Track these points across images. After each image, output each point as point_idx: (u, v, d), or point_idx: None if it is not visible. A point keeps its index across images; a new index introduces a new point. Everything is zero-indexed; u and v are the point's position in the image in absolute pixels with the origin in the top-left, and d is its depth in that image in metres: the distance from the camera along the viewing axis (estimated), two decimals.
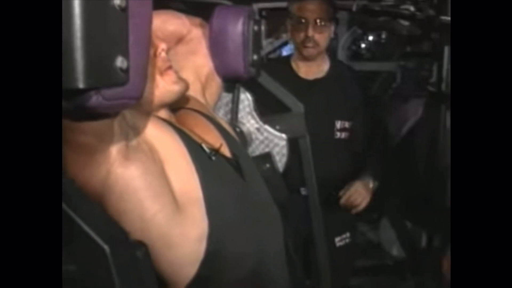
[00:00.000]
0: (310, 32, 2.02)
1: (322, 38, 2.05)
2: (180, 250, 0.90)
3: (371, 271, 3.20)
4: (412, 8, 2.60)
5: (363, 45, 4.88)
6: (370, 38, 4.98)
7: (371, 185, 2.15)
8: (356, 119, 2.14)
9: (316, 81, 2.14)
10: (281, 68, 2.17)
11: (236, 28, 1.05)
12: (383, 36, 4.35)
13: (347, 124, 2.12)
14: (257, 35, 1.09)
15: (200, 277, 0.92)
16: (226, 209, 0.98)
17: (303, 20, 2.03)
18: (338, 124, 2.11)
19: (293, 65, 2.17)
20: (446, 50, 2.41)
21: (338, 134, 2.12)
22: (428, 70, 2.57)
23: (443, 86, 2.45)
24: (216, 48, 1.10)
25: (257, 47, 1.10)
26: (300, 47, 2.09)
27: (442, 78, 2.44)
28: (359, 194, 2.10)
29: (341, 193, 2.11)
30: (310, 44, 2.04)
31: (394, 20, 2.76)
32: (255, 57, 1.10)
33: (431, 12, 2.38)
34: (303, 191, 2.01)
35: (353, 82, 2.20)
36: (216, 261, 0.93)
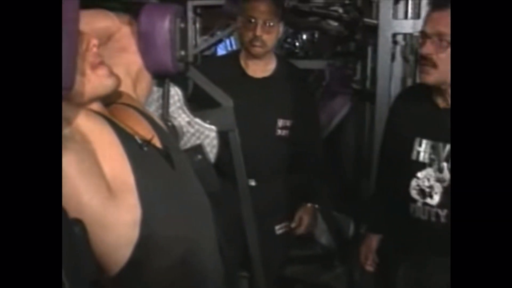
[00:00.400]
0: (259, 32, 2.08)
1: (269, 38, 2.12)
2: (115, 233, 0.95)
3: (303, 261, 3.32)
4: (340, 10, 2.75)
5: (297, 44, 5.02)
6: (304, 36, 5.13)
7: (316, 206, 2.38)
8: (297, 118, 2.23)
9: (263, 80, 2.21)
10: (229, 65, 2.24)
11: (163, 25, 1.11)
12: (316, 35, 4.50)
13: (288, 123, 2.21)
14: (183, 32, 1.15)
15: (135, 260, 0.98)
16: (158, 197, 1.04)
17: (253, 20, 2.09)
18: (280, 122, 2.20)
19: (242, 63, 2.22)
20: (370, 50, 2.57)
21: (279, 132, 2.20)
22: (352, 69, 2.72)
23: (367, 84, 2.60)
24: (145, 45, 1.15)
25: (184, 43, 1.17)
26: (248, 45, 2.14)
27: (367, 76, 2.59)
28: (309, 225, 2.37)
29: (293, 224, 2.33)
30: (257, 43, 2.10)
31: (324, 20, 2.89)
32: (182, 52, 1.17)
33: (356, 14, 2.52)
34: (251, 181, 2.10)
35: (297, 81, 2.29)
36: (149, 246, 0.99)
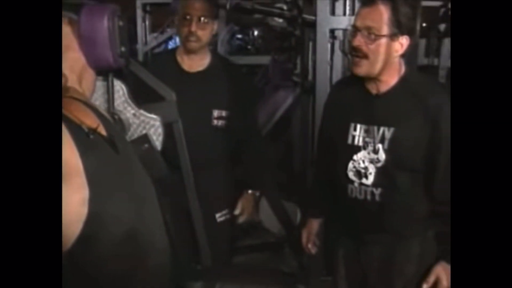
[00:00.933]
0: (193, 28, 2.20)
1: (204, 34, 2.24)
2: (66, 211, 1.04)
3: (255, 249, 3.44)
4: (284, 7, 2.87)
5: (247, 40, 5.12)
6: (256, 33, 5.23)
7: (257, 194, 2.50)
8: (232, 108, 2.34)
9: (198, 73, 2.32)
10: (166, 60, 2.35)
11: (102, 24, 1.20)
12: (267, 31, 4.61)
13: (223, 113, 2.33)
14: (122, 29, 1.25)
15: (84, 236, 1.08)
16: (103, 178, 1.14)
17: (188, 17, 2.21)
18: (215, 113, 2.31)
19: (178, 58, 2.33)
20: (311, 45, 2.70)
21: (215, 122, 2.32)
22: (293, 63, 2.86)
23: (309, 77, 2.73)
24: (86, 43, 1.24)
25: (124, 39, 1.26)
26: (184, 41, 2.26)
27: (307, 70, 2.73)
28: (250, 212, 2.49)
29: (236, 212, 2.45)
30: (193, 39, 2.22)
31: (269, 17, 3.01)
32: (123, 49, 1.26)
33: (296, 11, 2.65)
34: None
35: (231, 75, 2.40)
36: (97, 222, 1.09)
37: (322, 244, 2.20)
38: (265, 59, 4.09)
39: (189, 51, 2.28)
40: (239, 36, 5.04)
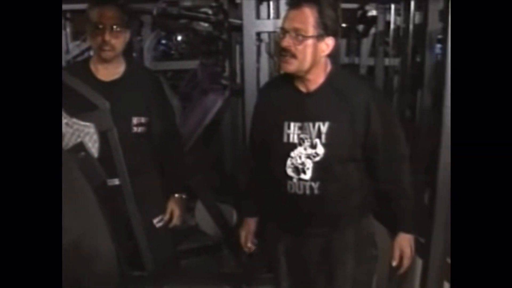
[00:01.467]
0: (107, 37, 2.18)
1: (118, 42, 2.23)
2: None
3: (194, 253, 3.43)
4: (210, 12, 2.91)
5: (171, 45, 5.11)
6: (179, 38, 5.22)
7: (184, 196, 2.49)
8: (151, 114, 2.35)
9: (113, 82, 2.30)
10: (80, 70, 2.29)
11: None
12: (192, 36, 4.61)
13: (143, 120, 2.32)
14: None
15: None
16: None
17: (101, 26, 2.19)
18: (135, 120, 2.30)
19: (92, 67, 2.30)
20: (238, 48, 2.75)
21: (135, 129, 2.31)
22: (222, 66, 2.89)
23: (236, 80, 2.78)
24: None
25: None
26: (97, 50, 2.24)
27: (235, 73, 2.77)
28: (179, 215, 2.46)
29: (166, 217, 2.42)
30: (107, 48, 2.20)
31: (194, 22, 3.03)
32: None
33: (222, 15, 2.69)
34: (115, 181, 2.18)
35: (147, 81, 2.41)
36: None
37: (261, 241, 2.24)
38: (190, 64, 4.08)
39: (103, 60, 2.26)
40: (163, 41, 5.02)
